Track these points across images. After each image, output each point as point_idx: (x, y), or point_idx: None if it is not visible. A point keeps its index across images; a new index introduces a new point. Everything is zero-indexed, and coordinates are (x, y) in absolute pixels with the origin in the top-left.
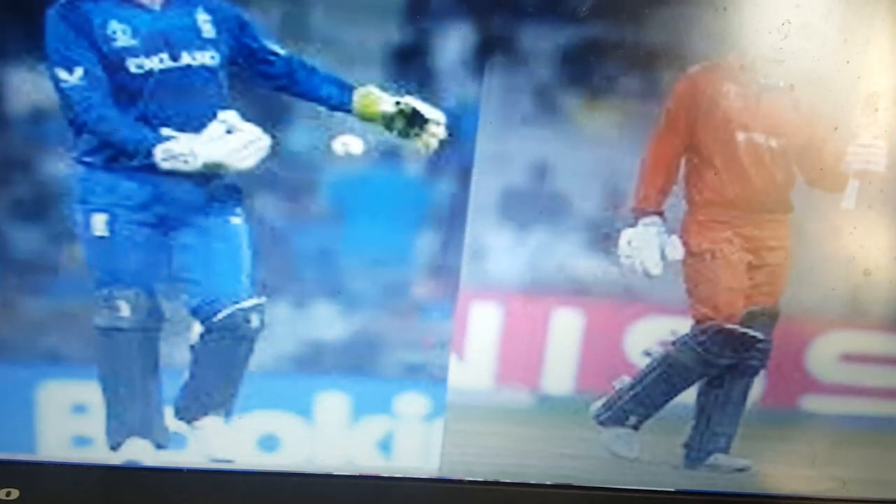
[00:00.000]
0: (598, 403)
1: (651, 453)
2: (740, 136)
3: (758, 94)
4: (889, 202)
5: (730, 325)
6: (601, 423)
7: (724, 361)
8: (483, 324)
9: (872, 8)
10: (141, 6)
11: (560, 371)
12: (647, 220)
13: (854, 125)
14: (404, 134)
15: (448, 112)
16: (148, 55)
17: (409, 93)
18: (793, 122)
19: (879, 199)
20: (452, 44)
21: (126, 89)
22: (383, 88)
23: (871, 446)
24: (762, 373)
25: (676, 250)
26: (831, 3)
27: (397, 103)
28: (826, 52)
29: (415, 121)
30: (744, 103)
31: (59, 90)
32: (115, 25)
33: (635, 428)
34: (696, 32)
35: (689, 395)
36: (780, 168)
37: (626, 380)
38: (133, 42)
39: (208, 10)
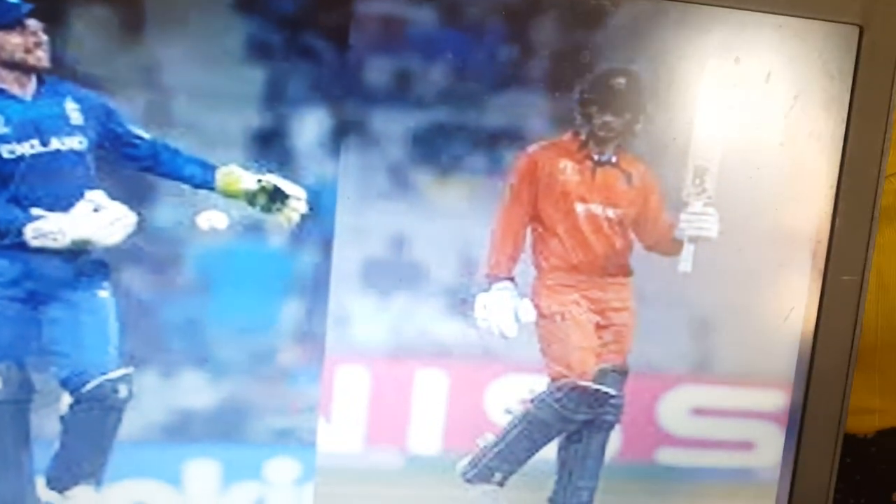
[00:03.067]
0: (465, 461)
1: None
2: (579, 208)
3: (593, 169)
4: (724, 263)
5: (583, 382)
6: (468, 481)
7: (581, 417)
8: (350, 387)
9: (693, 86)
10: (13, 97)
11: (427, 431)
12: (499, 285)
13: (685, 194)
14: (267, 209)
15: (308, 188)
16: (20, 142)
17: (269, 171)
18: (626, 193)
19: (714, 261)
20: (309, 127)
21: None
22: (245, 167)
23: (728, 498)
24: (618, 427)
25: (528, 313)
26: (657, 85)
27: (259, 181)
28: (653, 130)
29: (276, 197)
30: (580, 177)
31: None
32: None
33: (500, 484)
34: (533, 115)
35: (550, 451)
36: (618, 235)
37: (490, 437)
38: (5, 130)
39: (76, 100)
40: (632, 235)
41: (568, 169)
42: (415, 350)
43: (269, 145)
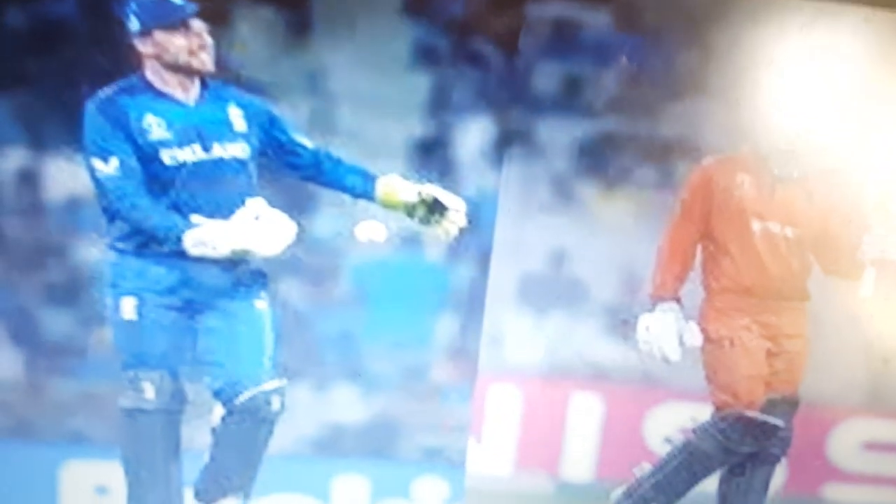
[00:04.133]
0: (619, 491)
1: None
2: (755, 225)
3: (772, 185)
4: None
5: (751, 413)
6: None
7: (746, 449)
8: (502, 408)
9: (884, 102)
10: (176, 101)
11: (580, 457)
12: (664, 306)
13: (868, 215)
14: (425, 221)
15: (468, 200)
16: (181, 147)
17: (430, 182)
18: (807, 212)
19: None
20: (472, 136)
21: (159, 179)
22: (405, 178)
23: None
24: (783, 461)
25: (695, 337)
26: (843, 98)
27: (419, 192)
28: (840, 146)
29: (436, 209)
30: (758, 193)
31: (95, 179)
32: (150, 119)
33: None
34: (710, 126)
35: (710, 484)
36: (796, 256)
37: (647, 467)
38: (167, 135)
39: (240, 106)
40: (811, 257)
41: (745, 184)
42: (571, 372)
43: (432, 155)
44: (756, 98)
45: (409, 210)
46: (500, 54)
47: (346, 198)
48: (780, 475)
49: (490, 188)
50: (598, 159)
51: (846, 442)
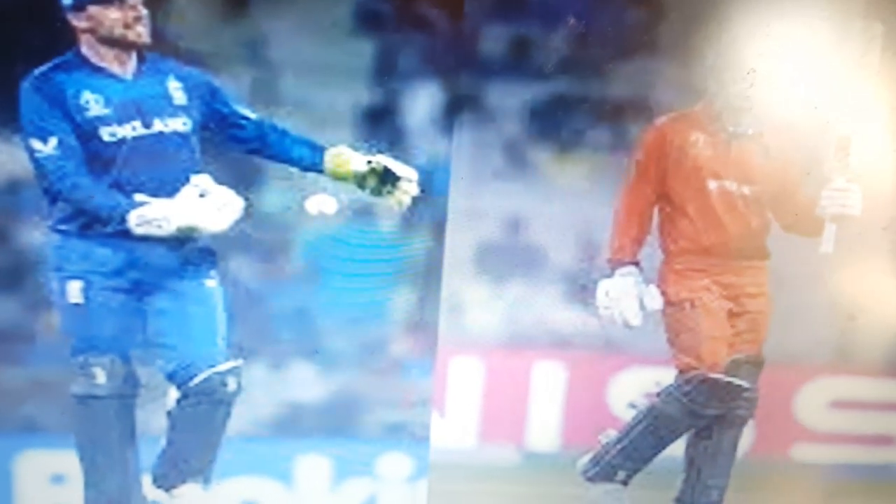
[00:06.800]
0: (585, 459)
1: None
2: (712, 184)
3: (727, 142)
4: (868, 245)
5: (714, 375)
6: (589, 480)
7: (711, 412)
8: (464, 380)
9: (838, 52)
10: (113, 76)
11: (545, 426)
12: (623, 270)
13: (827, 169)
14: (377, 192)
15: (420, 169)
16: (121, 123)
17: (380, 151)
18: (764, 168)
19: (858, 243)
20: (421, 102)
21: (100, 157)
22: (354, 148)
23: (868, 496)
24: (751, 422)
25: (655, 300)
26: (796, 51)
27: (369, 162)
28: (793, 99)
29: (387, 179)
30: (713, 151)
31: (34, 160)
32: (87, 95)
33: (624, 483)
34: (662, 84)
35: (678, 448)
36: (755, 214)
37: (613, 434)
38: (106, 111)
39: (179, 78)
40: (769, 215)
41: (700, 142)
42: (532, 340)
43: (380, 123)
44: (708, 55)
45: (360, 181)
46: (445, 18)
47: (295, 171)
48: (747, 437)
49: (441, 156)
50: (550, 123)
51: (814, 401)
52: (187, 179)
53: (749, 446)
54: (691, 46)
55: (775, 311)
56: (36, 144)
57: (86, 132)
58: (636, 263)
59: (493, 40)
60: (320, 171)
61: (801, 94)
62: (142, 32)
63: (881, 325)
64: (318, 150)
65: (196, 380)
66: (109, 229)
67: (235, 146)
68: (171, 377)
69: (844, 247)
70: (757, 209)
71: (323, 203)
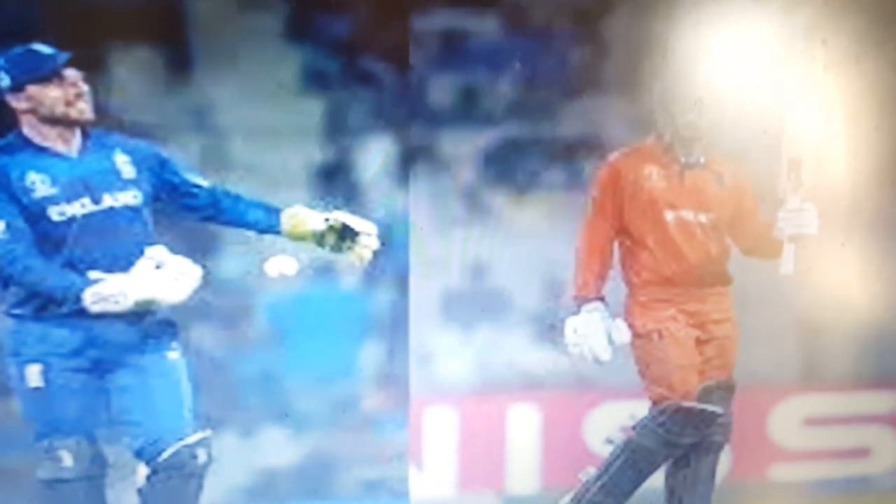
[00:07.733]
0: (567, 499)
1: None
2: (668, 215)
3: (680, 173)
4: (828, 263)
5: (687, 403)
6: None
7: (688, 440)
8: (439, 430)
9: (782, 74)
10: (58, 155)
11: (523, 469)
12: (589, 306)
13: (781, 191)
14: (337, 249)
15: (378, 222)
16: (69, 202)
17: (337, 208)
18: (719, 195)
19: (818, 261)
20: (375, 156)
21: (50, 237)
22: (311, 207)
23: None
24: (727, 447)
25: (623, 333)
26: (741, 77)
27: (326, 220)
28: (742, 124)
29: (346, 235)
30: (667, 183)
31: None
32: (33, 176)
33: None
34: (612, 120)
35: (657, 479)
36: (714, 241)
37: (592, 471)
38: (53, 190)
39: (126, 151)
40: (728, 240)
41: (654, 175)
42: (504, 384)
43: (335, 180)
44: (654, 88)
45: (319, 239)
46: (391, 71)
47: (252, 234)
48: (725, 462)
49: (399, 207)
50: (504, 166)
51: (787, 420)
52: (142, 252)
53: (727, 471)
54: (637, 81)
55: (741, 334)
56: None
57: (34, 213)
58: (601, 299)
59: (441, 89)
60: (278, 233)
61: (749, 119)
62: (84, 109)
63: (846, 340)
64: (274, 211)
65: (165, 454)
66: (65, 310)
67: (189, 215)
68: (139, 454)
69: (804, 266)
70: (715, 236)
71: (283, 264)
